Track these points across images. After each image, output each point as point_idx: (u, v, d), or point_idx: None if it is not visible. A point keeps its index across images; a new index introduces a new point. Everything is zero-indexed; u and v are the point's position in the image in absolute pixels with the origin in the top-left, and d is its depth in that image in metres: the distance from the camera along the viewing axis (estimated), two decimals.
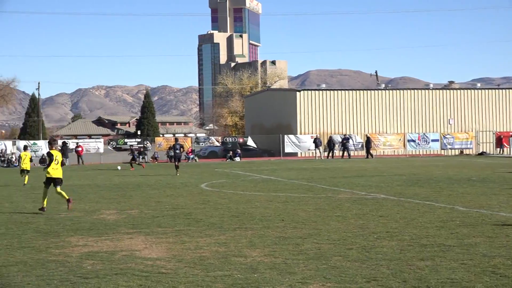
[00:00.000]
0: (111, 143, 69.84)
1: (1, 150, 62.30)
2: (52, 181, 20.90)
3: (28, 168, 34.95)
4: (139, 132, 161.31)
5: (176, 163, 41.59)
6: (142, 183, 32.70)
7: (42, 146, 64.81)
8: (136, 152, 52.81)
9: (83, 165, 59.68)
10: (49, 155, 21.34)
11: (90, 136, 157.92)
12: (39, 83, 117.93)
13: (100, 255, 12.54)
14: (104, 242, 14.16)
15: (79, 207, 21.58)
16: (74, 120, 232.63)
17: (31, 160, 35.89)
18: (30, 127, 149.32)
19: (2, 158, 61.26)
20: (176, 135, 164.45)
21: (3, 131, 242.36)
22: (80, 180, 36.14)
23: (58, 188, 20.92)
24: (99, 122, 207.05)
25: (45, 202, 20.66)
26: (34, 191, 28.57)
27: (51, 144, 22.14)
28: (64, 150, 60.98)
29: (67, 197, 20.78)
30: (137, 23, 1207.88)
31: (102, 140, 72.05)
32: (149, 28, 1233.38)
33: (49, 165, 21.10)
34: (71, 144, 65.24)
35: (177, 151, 42.15)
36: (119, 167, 50.07)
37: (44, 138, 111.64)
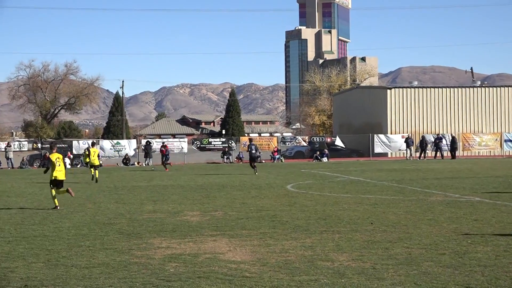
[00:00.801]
0: (195, 142, 70.65)
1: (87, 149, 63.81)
2: (58, 183, 22.92)
3: (97, 163, 38.30)
4: (223, 132, 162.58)
5: (253, 163, 42.38)
6: (226, 184, 32.95)
7: (125, 146, 66.16)
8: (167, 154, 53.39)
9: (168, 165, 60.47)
10: (49, 160, 23.43)
11: (174, 136, 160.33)
12: (123, 81, 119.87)
13: (183, 258, 12.70)
14: (187, 244, 14.33)
15: (162, 208, 21.91)
16: (158, 119, 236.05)
17: (98, 156, 39.09)
18: (114, 126, 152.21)
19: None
20: (262, 134, 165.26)
21: (87, 130, 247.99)
22: (163, 181, 36.69)
23: (61, 189, 23.01)
24: (183, 121, 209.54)
25: (56, 201, 22.66)
26: (118, 192, 29.20)
27: (52, 148, 25.11)
28: (147, 150, 62.14)
29: (56, 204, 22.52)
30: (223, 19, 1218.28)
31: (186, 139, 72.97)
32: (235, 24, 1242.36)
33: (49, 168, 23.52)
34: (155, 143, 66.30)
35: (253, 151, 42.99)
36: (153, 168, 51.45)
37: (127, 138, 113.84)
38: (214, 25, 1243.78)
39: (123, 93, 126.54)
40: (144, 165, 60.73)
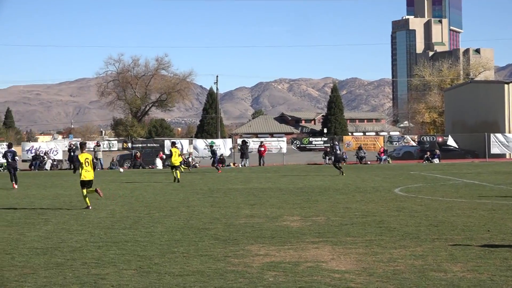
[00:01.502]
0: (295, 142, 70.78)
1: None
2: (87, 183, 24.47)
3: (177, 164, 39.60)
4: (325, 130, 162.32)
5: (338, 164, 43.55)
6: (328, 187, 32.87)
7: (220, 145, 66.78)
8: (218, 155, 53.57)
9: (263, 166, 60.86)
10: (77, 159, 24.98)
11: (271, 135, 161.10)
12: (217, 76, 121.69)
13: (283, 266, 12.73)
14: (287, 251, 14.35)
15: (260, 212, 22.02)
16: (254, 117, 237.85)
17: (180, 156, 40.50)
18: (208, 124, 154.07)
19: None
20: (367, 133, 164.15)
21: (179, 129, 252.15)
22: (261, 183, 36.88)
23: (90, 189, 24.49)
24: (282, 119, 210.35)
25: (88, 201, 24.31)
26: (213, 195, 29.51)
27: (82, 148, 26.17)
28: (244, 150, 62.64)
29: (94, 191, 24.28)
30: (323, 9, 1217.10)
31: (285, 139, 73.27)
32: (337, 14, 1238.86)
33: (78, 168, 25.02)
34: (252, 143, 66.76)
35: (338, 151, 44.20)
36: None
37: (222, 136, 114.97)
38: (314, 15, 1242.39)
39: (217, 89, 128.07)
40: (240, 166, 61.22)
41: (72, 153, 63.74)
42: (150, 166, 62.94)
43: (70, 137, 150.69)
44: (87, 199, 24.35)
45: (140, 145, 68.24)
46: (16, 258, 13.86)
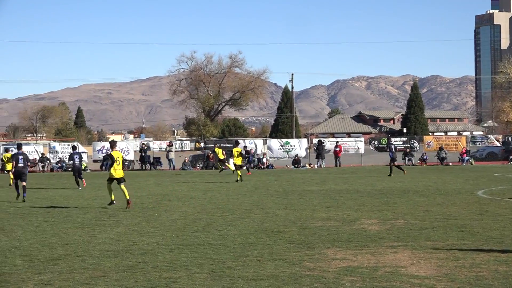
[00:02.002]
0: (373, 142, 70.41)
1: (251, 149, 65.07)
2: (114, 179, 25.95)
3: (239, 163, 42.02)
4: (404, 130, 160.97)
5: (393, 164, 44.82)
6: (408, 189, 32.61)
7: (295, 146, 66.83)
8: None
9: (340, 167, 60.68)
10: (111, 156, 26.54)
11: (349, 134, 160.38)
12: (292, 74, 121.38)
13: (360, 271, 12.68)
14: (365, 256, 14.29)
15: (336, 215, 21.97)
16: (331, 116, 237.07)
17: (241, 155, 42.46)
18: (282, 124, 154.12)
19: (253, 159, 63.86)
20: (448, 133, 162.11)
21: (253, 128, 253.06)
22: (338, 185, 36.78)
23: (122, 185, 25.72)
24: (359, 118, 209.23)
25: (112, 196, 25.75)
26: (287, 196, 29.54)
27: (112, 146, 27.47)
28: (319, 150, 62.57)
29: (127, 197, 25.33)
30: (402, 4, 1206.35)
31: (362, 138, 72.95)
32: (417, 9, 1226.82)
33: (111, 166, 26.22)
34: (328, 143, 66.62)
35: (392, 151, 45.45)
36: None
37: (297, 136, 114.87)
38: (393, 10, 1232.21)
39: (292, 87, 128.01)
40: (316, 167, 61.16)
41: (143, 153, 64.61)
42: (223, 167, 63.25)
43: (142, 137, 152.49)
44: (112, 195, 25.87)
45: (213, 145, 68.66)
46: (87, 261, 14.10)
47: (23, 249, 15.71)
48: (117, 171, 26.19)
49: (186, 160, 64.14)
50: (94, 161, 67.46)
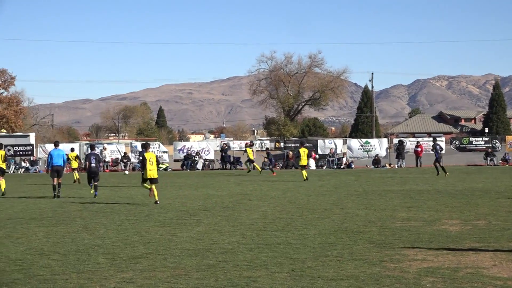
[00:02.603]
0: (454, 142, 69.47)
1: (330, 149, 64.83)
2: (148, 180, 27.56)
3: (304, 163, 42.85)
4: (486, 130, 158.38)
5: (438, 163, 44.86)
6: (490, 190, 32.10)
7: (375, 145, 66.41)
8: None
9: (421, 167, 60.04)
10: (143, 157, 27.93)
11: (429, 134, 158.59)
12: (372, 73, 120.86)
13: (441, 272, 12.54)
14: (446, 257, 14.13)
15: (417, 215, 21.76)
16: (411, 116, 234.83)
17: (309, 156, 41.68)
18: (362, 124, 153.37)
19: (332, 158, 63.66)
20: None
21: (333, 128, 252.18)
22: (418, 185, 36.41)
23: (153, 186, 27.55)
24: (440, 117, 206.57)
25: (148, 186, 27.81)
26: (367, 196, 29.38)
27: (146, 148, 28.98)
28: (400, 150, 62.05)
29: (156, 198, 27.36)
30: (482, 3, 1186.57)
31: (443, 138, 71.86)
32: (498, 6, 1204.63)
33: (144, 166, 27.62)
34: (408, 143, 66.01)
35: (438, 151, 45.62)
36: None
37: (377, 136, 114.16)
38: (474, 8, 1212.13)
39: (372, 86, 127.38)
40: (396, 166, 60.65)
41: (224, 153, 64.99)
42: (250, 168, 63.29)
43: (222, 137, 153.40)
44: (154, 192, 27.60)
45: (292, 145, 68.63)
46: (168, 259, 14.27)
47: (105, 247, 15.98)
48: (151, 171, 27.51)
49: (266, 160, 64.23)
50: (175, 160, 68.04)
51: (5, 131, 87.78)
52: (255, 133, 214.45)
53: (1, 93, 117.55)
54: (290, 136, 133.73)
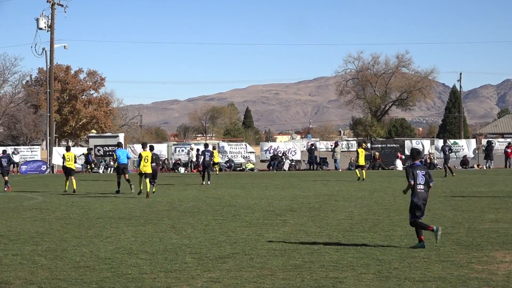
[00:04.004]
0: None
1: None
2: (144, 174, 32.28)
3: (363, 163, 44.34)
4: None
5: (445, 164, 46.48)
6: None
7: (463, 146, 65.54)
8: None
9: (510, 168, 58.99)
10: (140, 155, 33.08)
11: None
12: (460, 73, 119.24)
13: None
14: None
15: (506, 217, 21.39)
16: (500, 116, 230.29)
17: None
18: (450, 124, 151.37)
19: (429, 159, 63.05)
20: None
21: (420, 129, 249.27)
22: (507, 186, 35.79)
23: (147, 180, 32.21)
24: None
25: (141, 187, 32.58)
26: (454, 198, 28.98)
27: (143, 147, 33.82)
28: (488, 151, 61.09)
29: (148, 190, 31.73)
30: None
31: None
32: None
33: (139, 163, 32.71)
34: (497, 144, 64.89)
35: (446, 153, 47.22)
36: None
37: (465, 137, 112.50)
38: None
39: (460, 87, 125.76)
40: (484, 167, 59.70)
41: (311, 154, 65.00)
42: (390, 167, 62.90)
43: (309, 137, 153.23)
44: (142, 185, 32.47)
45: (379, 146, 68.21)
46: (254, 259, 14.33)
47: (193, 247, 16.14)
48: (145, 167, 32.27)
49: (352, 160, 63.96)
50: (262, 161, 68.38)
51: (95, 131, 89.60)
52: (342, 133, 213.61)
53: (92, 94, 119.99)
54: (377, 136, 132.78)
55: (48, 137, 72.37)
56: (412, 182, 15.86)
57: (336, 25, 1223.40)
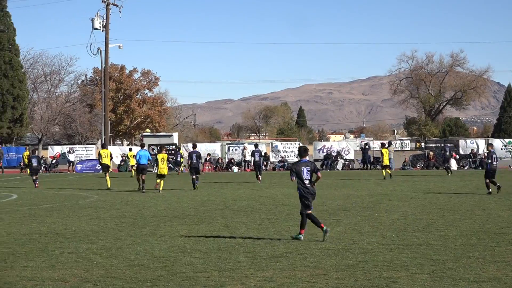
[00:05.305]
0: None
1: (472, 150, 63.56)
2: (161, 176, 35.01)
3: (387, 163, 45.25)
4: None
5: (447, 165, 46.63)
6: None
7: None
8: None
9: None
10: (156, 158, 36.01)
11: None
12: None
13: None
14: None
15: None
16: None
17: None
18: (505, 124, 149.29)
19: (474, 159, 62.38)
20: None
21: (475, 128, 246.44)
22: None
23: (162, 181, 35.03)
24: None
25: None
26: (510, 197, 28.62)
27: (161, 149, 36.99)
28: None
29: (161, 188, 34.71)
30: None
31: None
32: None
33: (157, 165, 35.61)
34: None
35: (446, 153, 49.15)
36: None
37: None
38: None
39: None
40: None
41: (365, 152, 64.74)
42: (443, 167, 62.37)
43: (362, 136, 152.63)
44: (160, 184, 34.96)
45: (433, 145, 67.64)
46: (308, 259, 14.31)
47: (246, 246, 16.17)
48: (161, 169, 34.86)
49: (406, 160, 63.58)
50: (315, 160, 68.24)
51: (149, 130, 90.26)
52: (395, 132, 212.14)
53: (146, 94, 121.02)
54: (431, 136, 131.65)
55: (103, 136, 73.13)
56: (294, 179, 17.23)
57: (390, 24, 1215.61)
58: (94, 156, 72.15)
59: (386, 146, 47.60)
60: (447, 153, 46.37)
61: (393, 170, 60.55)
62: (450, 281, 11.88)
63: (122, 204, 28.60)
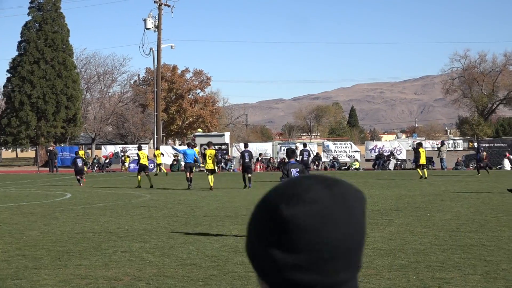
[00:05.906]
0: None
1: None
2: (210, 171, 36.04)
3: (424, 162, 45.08)
4: None
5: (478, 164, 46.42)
6: None
7: None
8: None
9: None
10: (203, 155, 37.68)
11: None
12: None
13: None
14: None
15: None
16: None
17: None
18: None
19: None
20: None
21: None
22: None
23: (212, 176, 36.01)
24: None
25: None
26: None
27: (208, 146, 37.91)
28: None
29: (211, 184, 35.82)
30: None
31: None
32: None
33: (205, 160, 36.60)
34: None
35: (480, 153, 47.42)
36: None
37: None
38: None
39: None
40: None
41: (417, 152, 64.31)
42: (497, 167, 61.66)
43: (414, 136, 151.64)
44: (211, 182, 35.84)
45: (486, 145, 66.91)
46: None
47: None
48: (209, 164, 36.00)
49: (459, 160, 62.96)
50: (367, 160, 68.04)
51: (201, 130, 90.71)
52: (448, 132, 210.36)
53: (198, 94, 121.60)
54: (484, 136, 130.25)
55: (155, 136, 73.72)
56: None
57: (443, 23, 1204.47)
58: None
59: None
60: (481, 153, 46.10)
61: (446, 170, 60.09)
62: (503, 282, 11.74)
63: (174, 203, 28.79)
